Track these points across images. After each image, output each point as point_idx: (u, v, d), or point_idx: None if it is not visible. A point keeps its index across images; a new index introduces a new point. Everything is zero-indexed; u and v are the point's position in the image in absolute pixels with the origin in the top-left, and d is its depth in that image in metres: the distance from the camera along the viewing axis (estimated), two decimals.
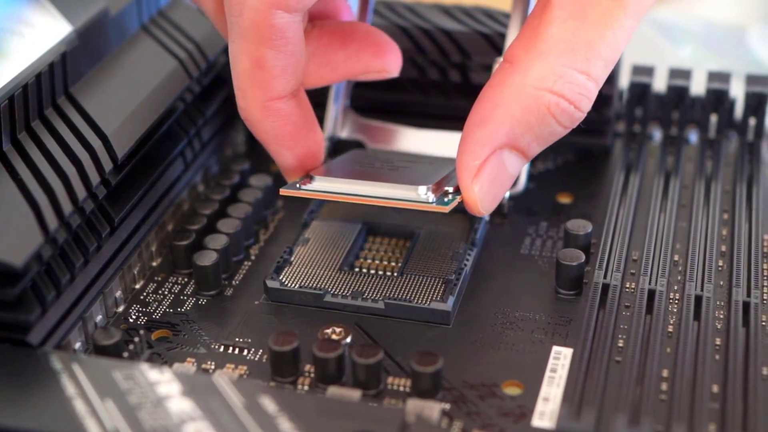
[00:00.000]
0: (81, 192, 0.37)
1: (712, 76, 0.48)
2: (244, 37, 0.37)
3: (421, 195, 0.38)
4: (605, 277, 0.39)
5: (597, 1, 0.35)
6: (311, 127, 0.40)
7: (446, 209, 0.38)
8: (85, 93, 0.41)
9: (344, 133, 0.47)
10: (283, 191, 0.39)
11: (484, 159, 0.37)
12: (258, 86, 0.38)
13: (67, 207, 0.36)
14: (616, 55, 0.36)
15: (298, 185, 0.39)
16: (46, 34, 0.41)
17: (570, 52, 0.35)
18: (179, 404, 0.32)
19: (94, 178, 0.38)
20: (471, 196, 0.37)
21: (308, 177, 0.40)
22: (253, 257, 0.43)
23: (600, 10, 0.35)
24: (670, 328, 0.37)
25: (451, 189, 0.39)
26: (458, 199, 0.38)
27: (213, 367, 0.37)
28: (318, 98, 0.43)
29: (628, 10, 0.35)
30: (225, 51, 0.45)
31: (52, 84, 0.40)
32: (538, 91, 0.35)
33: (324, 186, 0.39)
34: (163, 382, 0.32)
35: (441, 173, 0.40)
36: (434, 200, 0.38)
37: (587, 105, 0.36)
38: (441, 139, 0.46)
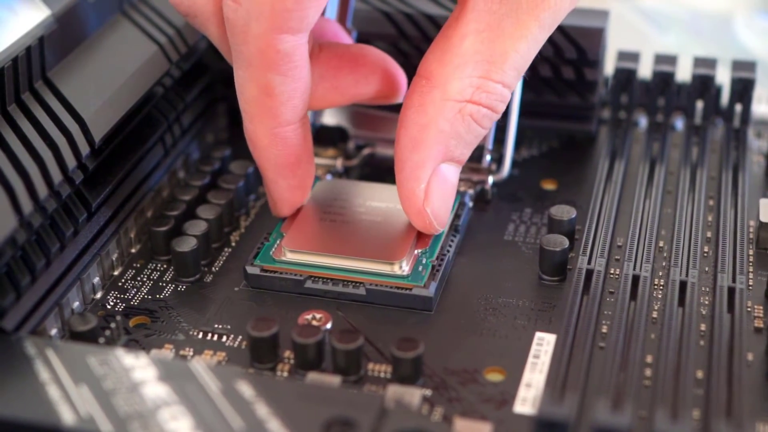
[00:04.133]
0: (57, 176, 0.36)
1: (698, 62, 0.47)
2: (250, 64, 0.36)
3: (396, 270, 0.38)
4: (589, 262, 0.39)
5: (514, 13, 0.36)
6: (309, 159, 0.40)
7: (422, 285, 0.38)
8: (63, 77, 0.40)
9: (326, 120, 0.47)
10: (260, 264, 0.39)
11: (428, 181, 0.37)
12: (267, 113, 0.37)
13: (42, 191, 0.35)
14: (528, 63, 0.37)
15: (272, 255, 0.39)
16: (23, 17, 0.40)
17: (485, 63, 0.36)
18: (154, 389, 0.31)
19: (71, 162, 0.37)
20: (425, 219, 0.38)
21: (279, 245, 0.39)
22: (233, 244, 0.42)
23: (515, 23, 0.36)
24: (655, 314, 0.37)
25: (421, 249, 0.39)
26: (432, 263, 0.39)
27: (191, 353, 0.37)
28: None
29: (543, 23, 0.36)
30: (205, 36, 0.44)
31: (29, 68, 0.39)
32: (460, 104, 0.37)
33: (298, 258, 0.39)
34: (139, 368, 0.32)
35: (412, 229, 0.40)
36: (408, 273, 0.38)
37: (503, 107, 0.38)
38: None
